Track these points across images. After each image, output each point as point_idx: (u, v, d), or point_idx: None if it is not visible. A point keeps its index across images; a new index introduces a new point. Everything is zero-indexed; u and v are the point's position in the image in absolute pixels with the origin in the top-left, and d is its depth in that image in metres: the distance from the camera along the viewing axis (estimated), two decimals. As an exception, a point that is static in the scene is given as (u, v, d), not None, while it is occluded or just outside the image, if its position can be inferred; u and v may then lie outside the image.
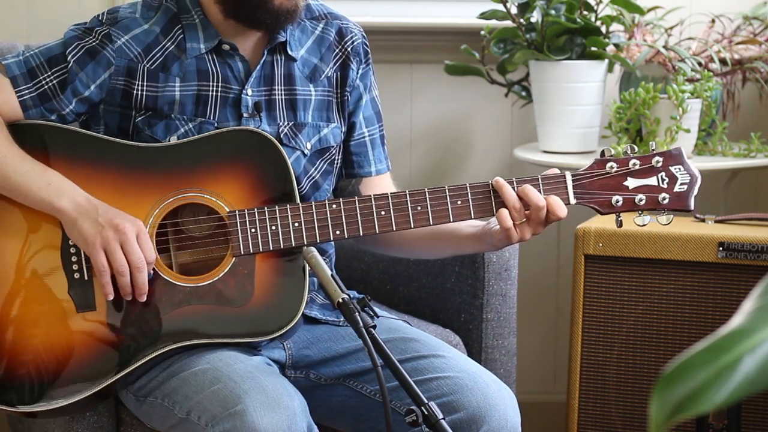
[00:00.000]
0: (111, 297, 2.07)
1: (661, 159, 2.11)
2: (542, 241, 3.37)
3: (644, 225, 2.11)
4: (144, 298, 2.08)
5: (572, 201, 2.11)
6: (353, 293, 2.18)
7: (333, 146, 2.28)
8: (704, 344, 0.89)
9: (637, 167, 2.11)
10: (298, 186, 2.18)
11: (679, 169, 2.11)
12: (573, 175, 2.11)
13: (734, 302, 2.57)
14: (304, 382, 2.20)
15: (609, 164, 2.11)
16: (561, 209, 2.08)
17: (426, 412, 1.82)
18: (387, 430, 1.79)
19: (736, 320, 0.90)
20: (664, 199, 2.10)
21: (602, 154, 2.12)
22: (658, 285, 2.61)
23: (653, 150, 2.13)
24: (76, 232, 2.07)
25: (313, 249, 2.00)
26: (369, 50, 2.33)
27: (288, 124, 2.23)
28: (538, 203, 2.07)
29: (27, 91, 2.15)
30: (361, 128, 2.32)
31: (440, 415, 1.82)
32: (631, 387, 2.64)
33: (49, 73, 2.16)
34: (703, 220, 2.70)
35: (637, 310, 2.62)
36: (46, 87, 2.16)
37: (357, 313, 1.87)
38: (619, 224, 2.13)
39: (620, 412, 2.65)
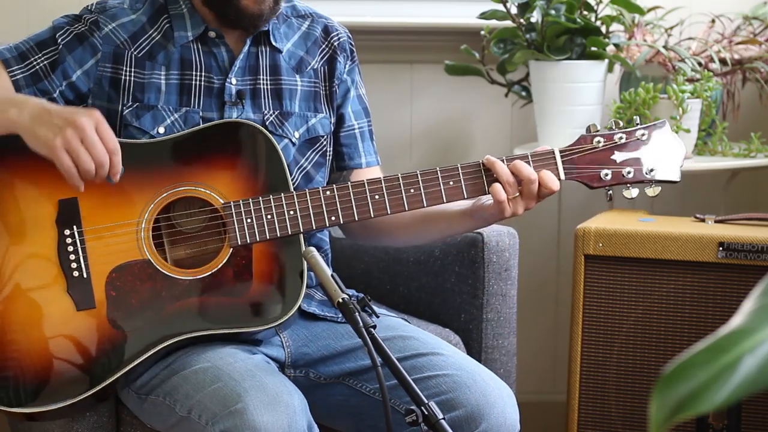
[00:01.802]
0: (82, 189, 2.03)
1: (645, 132, 2.13)
2: (542, 241, 3.37)
3: (632, 198, 2.14)
4: (117, 178, 2.03)
5: (562, 177, 2.13)
6: (352, 291, 2.18)
7: (323, 136, 2.29)
8: (704, 344, 0.89)
9: (623, 141, 2.13)
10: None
11: (664, 141, 2.14)
12: (561, 151, 2.13)
13: (734, 302, 2.57)
14: (304, 381, 2.21)
15: (596, 139, 2.14)
16: (553, 182, 2.10)
17: (426, 412, 1.82)
18: (387, 430, 1.79)
19: (736, 320, 0.90)
20: (651, 171, 2.13)
21: (588, 130, 2.15)
22: (658, 285, 2.61)
23: (638, 123, 2.15)
24: (35, 141, 2.02)
25: (313, 249, 2.00)
26: (354, 49, 2.36)
27: (274, 112, 2.25)
28: (530, 176, 2.09)
29: (19, 72, 2.18)
30: (350, 120, 2.34)
31: (440, 415, 1.82)
32: (631, 387, 2.64)
33: (40, 54, 2.19)
34: (703, 220, 2.70)
35: (637, 310, 2.62)
36: (37, 67, 2.19)
37: (357, 313, 1.87)
38: (609, 198, 2.16)
39: (620, 412, 2.65)
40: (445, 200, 2.13)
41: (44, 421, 2.20)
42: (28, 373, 2.11)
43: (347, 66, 2.33)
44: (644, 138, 2.13)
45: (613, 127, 2.14)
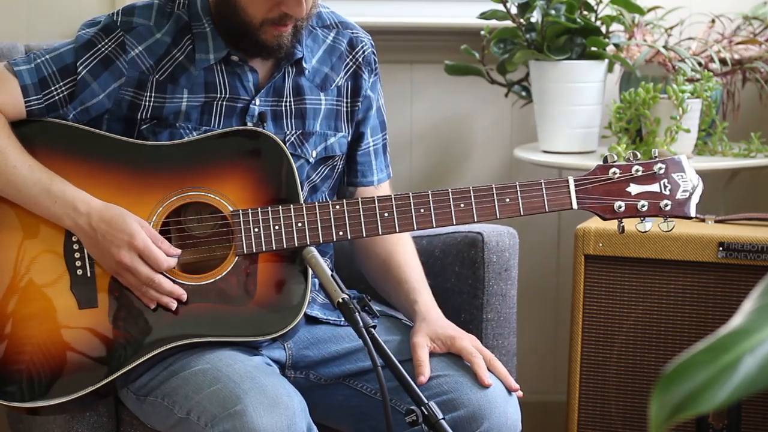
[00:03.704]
0: (153, 306, 2.11)
1: (663, 166, 2.12)
2: (542, 241, 3.37)
3: (646, 231, 2.12)
4: (174, 305, 2.10)
5: (575, 206, 2.12)
6: (353, 292, 2.18)
7: (338, 155, 2.28)
8: (704, 344, 0.89)
9: (639, 173, 2.12)
10: None
11: (682, 176, 2.12)
12: (576, 180, 2.12)
13: (734, 302, 2.57)
14: (304, 383, 2.21)
15: (612, 170, 2.12)
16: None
17: (426, 412, 1.82)
18: (387, 430, 1.79)
19: (736, 320, 0.90)
20: (666, 205, 2.11)
21: (605, 160, 2.13)
22: (658, 285, 2.61)
23: (656, 157, 2.14)
24: (90, 254, 2.12)
25: (313, 249, 2.00)
26: (377, 59, 2.34)
27: (296, 132, 2.23)
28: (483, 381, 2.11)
29: (35, 103, 2.15)
30: (367, 138, 2.33)
31: (440, 415, 1.83)
32: (631, 387, 2.64)
33: (61, 84, 2.15)
34: (703, 220, 2.70)
35: (637, 310, 2.62)
36: (56, 98, 2.16)
37: (357, 313, 1.87)
38: (621, 230, 2.13)
39: (620, 412, 2.65)
40: (454, 222, 2.12)
41: (44, 415, 2.20)
42: (29, 368, 2.11)
43: (371, 80, 2.31)
44: (661, 171, 2.12)
45: (631, 159, 2.12)
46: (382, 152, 2.37)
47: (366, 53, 2.30)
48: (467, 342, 2.15)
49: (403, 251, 2.31)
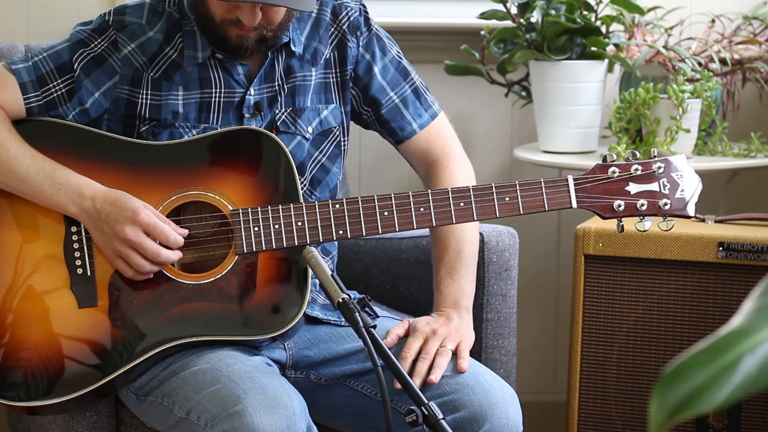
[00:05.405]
0: (142, 278, 2.10)
1: (662, 165, 2.12)
2: (542, 241, 3.37)
3: (645, 231, 2.12)
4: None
5: (574, 205, 2.12)
6: (353, 293, 2.18)
7: (335, 127, 2.28)
8: (704, 344, 0.89)
9: (638, 172, 2.12)
10: (303, 171, 2.19)
11: (680, 175, 2.12)
12: (575, 179, 2.12)
13: (734, 302, 2.57)
14: (305, 383, 2.21)
15: (611, 169, 2.12)
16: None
17: (426, 412, 1.82)
18: (387, 430, 1.79)
19: (736, 320, 0.90)
20: (665, 204, 2.11)
21: (604, 159, 2.13)
22: (658, 285, 2.61)
23: (655, 156, 2.14)
24: (94, 240, 2.12)
25: (313, 249, 2.00)
26: (369, 18, 2.31)
27: (286, 110, 2.23)
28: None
29: (35, 100, 2.16)
30: (385, 94, 2.31)
31: (440, 415, 1.83)
32: (631, 387, 2.64)
33: (59, 81, 2.17)
34: (703, 220, 2.70)
35: (637, 310, 2.62)
36: (54, 96, 2.17)
37: (357, 313, 1.87)
38: (621, 229, 2.13)
39: (620, 412, 2.65)
40: (454, 221, 2.13)
41: (44, 415, 2.20)
42: (29, 367, 2.11)
43: (362, 42, 2.29)
44: (660, 171, 2.12)
45: (630, 158, 2.13)
46: (414, 97, 2.33)
47: (352, 18, 2.28)
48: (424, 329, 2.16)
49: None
